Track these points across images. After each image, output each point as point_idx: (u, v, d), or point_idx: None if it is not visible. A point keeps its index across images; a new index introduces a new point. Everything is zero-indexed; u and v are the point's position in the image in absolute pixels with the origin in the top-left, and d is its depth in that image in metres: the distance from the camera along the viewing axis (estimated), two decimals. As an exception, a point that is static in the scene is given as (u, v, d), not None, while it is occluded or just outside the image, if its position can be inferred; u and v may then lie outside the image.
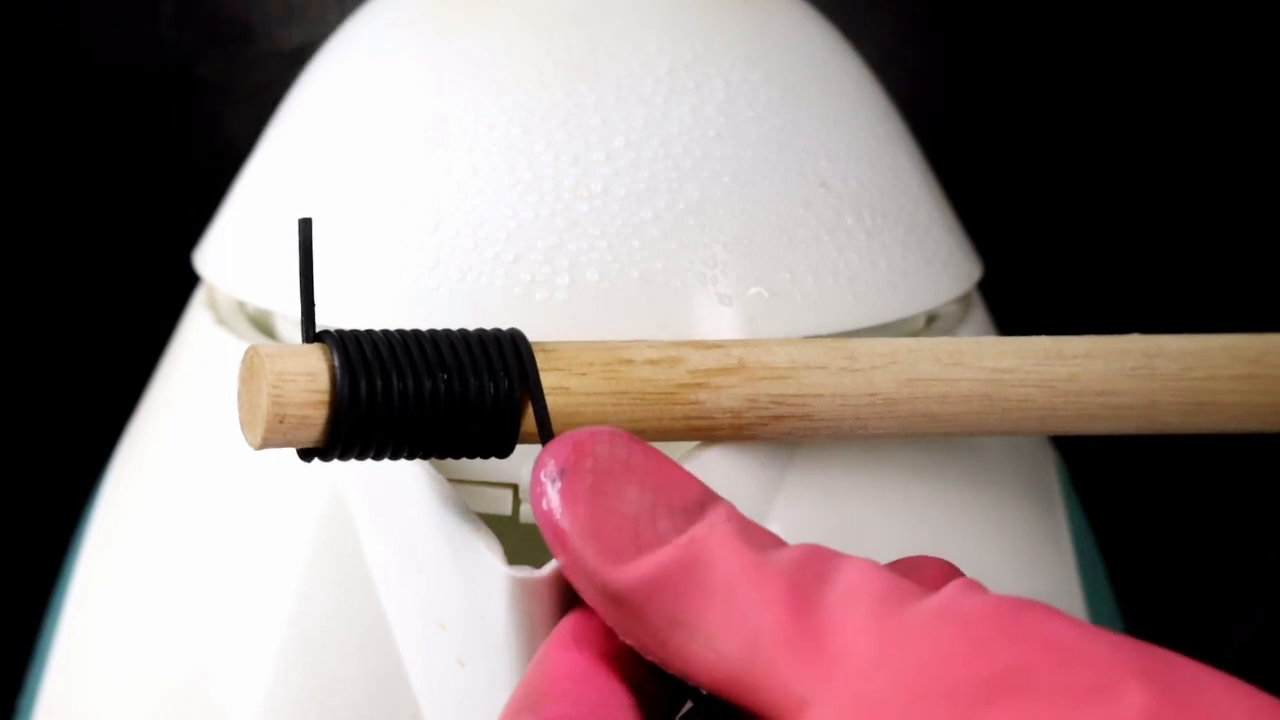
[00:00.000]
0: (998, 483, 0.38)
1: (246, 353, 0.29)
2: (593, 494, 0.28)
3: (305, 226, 0.30)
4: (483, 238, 0.35)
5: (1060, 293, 0.62)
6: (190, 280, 0.42)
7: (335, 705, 0.34)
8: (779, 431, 0.33)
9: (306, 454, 0.30)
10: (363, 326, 0.32)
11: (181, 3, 0.61)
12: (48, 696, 0.40)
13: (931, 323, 0.39)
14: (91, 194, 0.62)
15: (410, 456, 0.30)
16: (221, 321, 0.39)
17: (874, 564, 0.27)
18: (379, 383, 0.29)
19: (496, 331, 0.31)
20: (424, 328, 0.31)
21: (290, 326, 0.38)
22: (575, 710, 0.27)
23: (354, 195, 0.36)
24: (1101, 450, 0.51)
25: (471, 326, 0.31)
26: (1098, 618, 0.40)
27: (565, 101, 0.36)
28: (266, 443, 0.29)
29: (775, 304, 0.35)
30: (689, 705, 0.29)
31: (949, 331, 0.39)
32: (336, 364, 0.29)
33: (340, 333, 0.30)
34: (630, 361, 0.31)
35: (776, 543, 0.27)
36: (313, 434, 0.29)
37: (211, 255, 0.40)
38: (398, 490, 0.33)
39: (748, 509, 0.34)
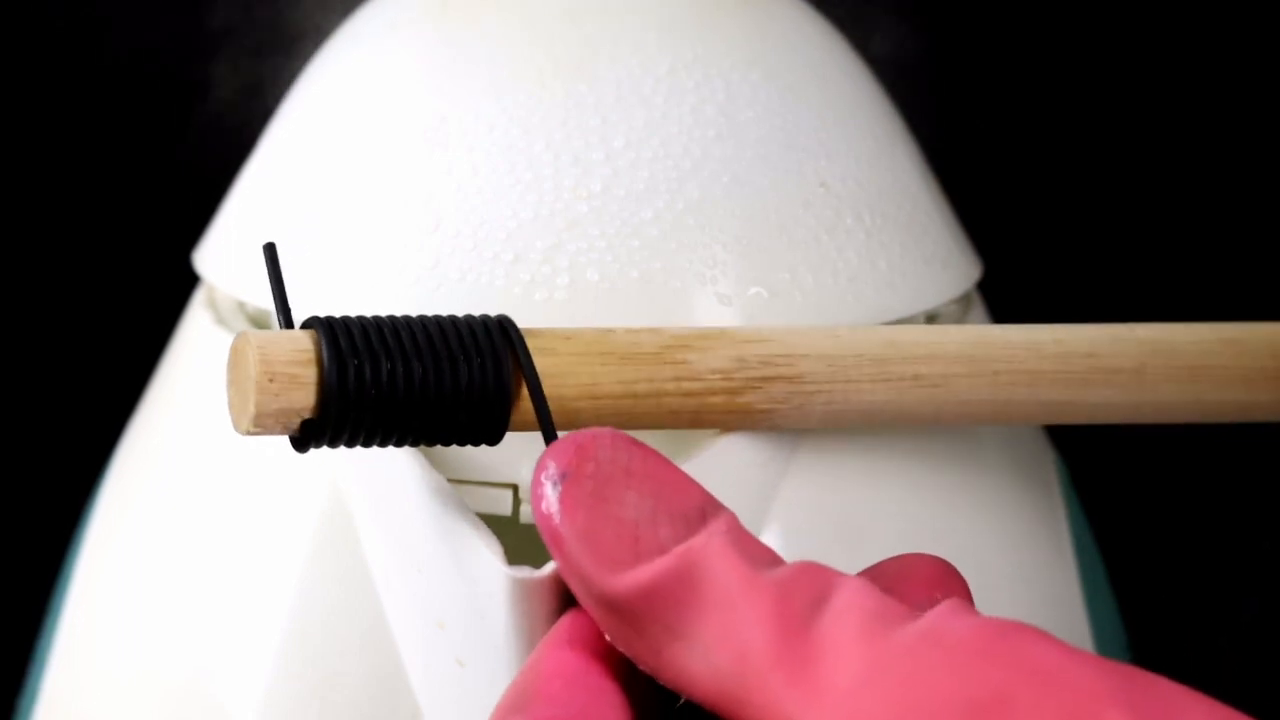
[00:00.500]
0: (998, 482, 0.38)
1: (234, 341, 0.29)
2: (593, 499, 0.27)
3: (270, 251, 0.30)
4: (483, 238, 0.35)
5: (1060, 293, 0.62)
6: (190, 280, 0.42)
7: (335, 704, 0.34)
8: (774, 399, 0.33)
9: (299, 442, 0.30)
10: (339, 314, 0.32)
11: (182, 2, 0.61)
12: (48, 696, 0.40)
13: (931, 323, 0.39)
14: (91, 194, 0.62)
15: (400, 443, 0.30)
16: (221, 321, 0.39)
17: (866, 583, 0.27)
18: (367, 366, 0.29)
19: (484, 317, 0.31)
20: (412, 314, 0.31)
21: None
22: (565, 712, 0.27)
23: (354, 195, 0.36)
24: (1101, 450, 0.51)
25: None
26: (1097, 617, 0.40)
27: (565, 101, 0.36)
28: (255, 428, 0.29)
29: (775, 304, 0.35)
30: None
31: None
32: (324, 348, 0.29)
33: (329, 318, 0.30)
34: (614, 330, 0.32)
35: (772, 558, 0.27)
36: (301, 418, 0.29)
37: (211, 255, 0.40)
38: (397, 489, 0.33)
39: (750, 506, 0.34)
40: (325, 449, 0.30)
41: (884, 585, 0.29)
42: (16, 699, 0.42)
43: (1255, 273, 0.61)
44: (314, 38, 0.43)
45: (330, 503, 0.35)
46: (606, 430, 0.28)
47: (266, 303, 0.37)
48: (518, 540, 0.33)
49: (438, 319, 0.30)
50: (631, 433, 0.33)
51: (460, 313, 0.33)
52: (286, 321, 0.30)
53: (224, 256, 0.39)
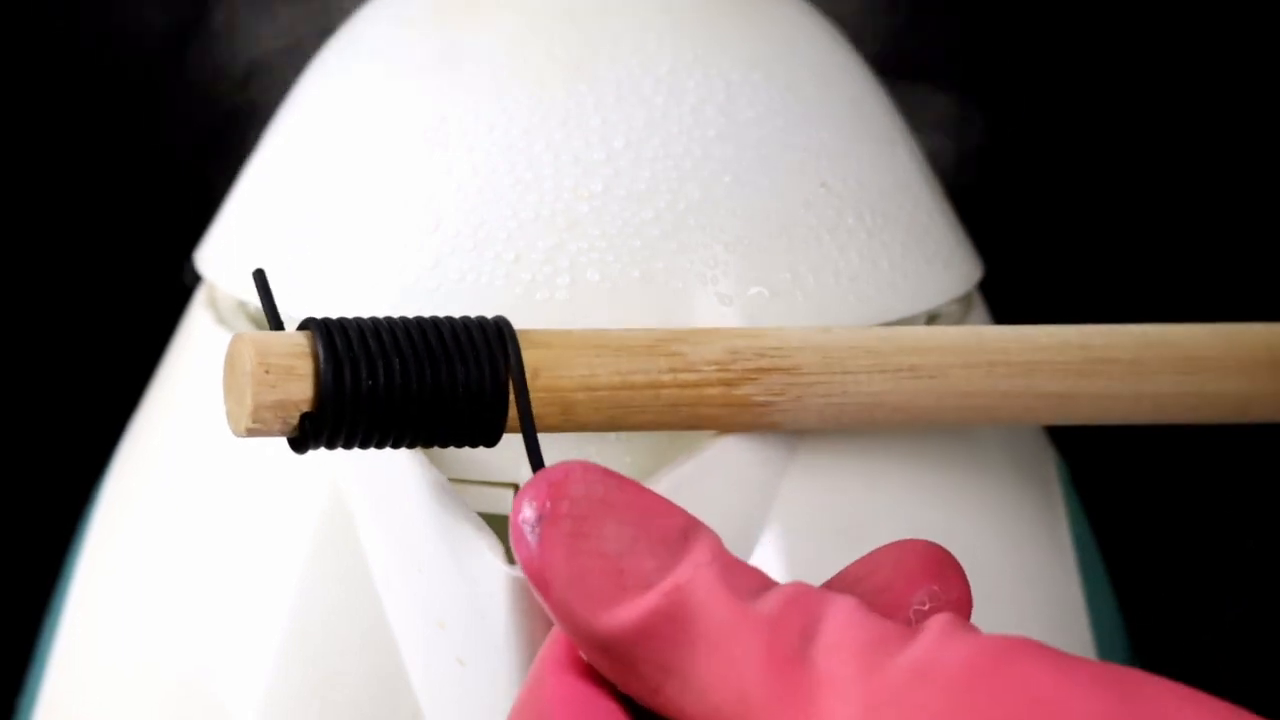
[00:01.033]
0: (998, 482, 0.38)
1: (229, 345, 0.29)
2: (572, 538, 0.27)
3: (260, 277, 0.30)
4: (483, 238, 0.35)
5: (1060, 293, 0.62)
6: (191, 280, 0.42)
7: (335, 703, 0.34)
8: (771, 391, 0.33)
9: (297, 443, 0.30)
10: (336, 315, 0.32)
11: (183, 2, 0.61)
12: (48, 696, 0.40)
13: (932, 323, 0.39)
14: (92, 194, 0.62)
15: (397, 444, 0.30)
16: (222, 321, 0.39)
17: (857, 606, 0.26)
18: (363, 364, 0.29)
19: (481, 319, 0.31)
20: (422, 315, 0.31)
21: (291, 326, 0.38)
22: None
23: (354, 195, 0.36)
24: (1101, 450, 0.51)
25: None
26: (1097, 617, 0.40)
27: (565, 101, 0.36)
28: (253, 424, 0.29)
29: (776, 304, 0.35)
30: None
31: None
32: (320, 346, 0.29)
33: (325, 320, 0.30)
34: (608, 329, 0.32)
35: (760, 583, 0.27)
36: (300, 411, 0.29)
37: (213, 255, 0.40)
38: (398, 489, 0.33)
39: (750, 506, 0.34)
40: (323, 450, 0.30)
41: (880, 580, 0.29)
42: (16, 699, 0.42)
43: (1255, 273, 0.61)
44: (316, 37, 0.43)
45: (330, 502, 0.35)
46: (577, 463, 0.28)
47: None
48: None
49: (434, 319, 0.30)
50: (635, 434, 0.33)
51: (460, 313, 0.33)
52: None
53: (224, 256, 0.39)
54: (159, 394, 0.41)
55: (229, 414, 0.30)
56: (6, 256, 0.61)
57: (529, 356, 0.30)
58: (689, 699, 0.27)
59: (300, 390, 0.29)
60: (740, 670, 0.26)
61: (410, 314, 0.33)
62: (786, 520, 0.34)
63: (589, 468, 0.28)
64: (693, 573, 0.27)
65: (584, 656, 0.28)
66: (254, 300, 0.38)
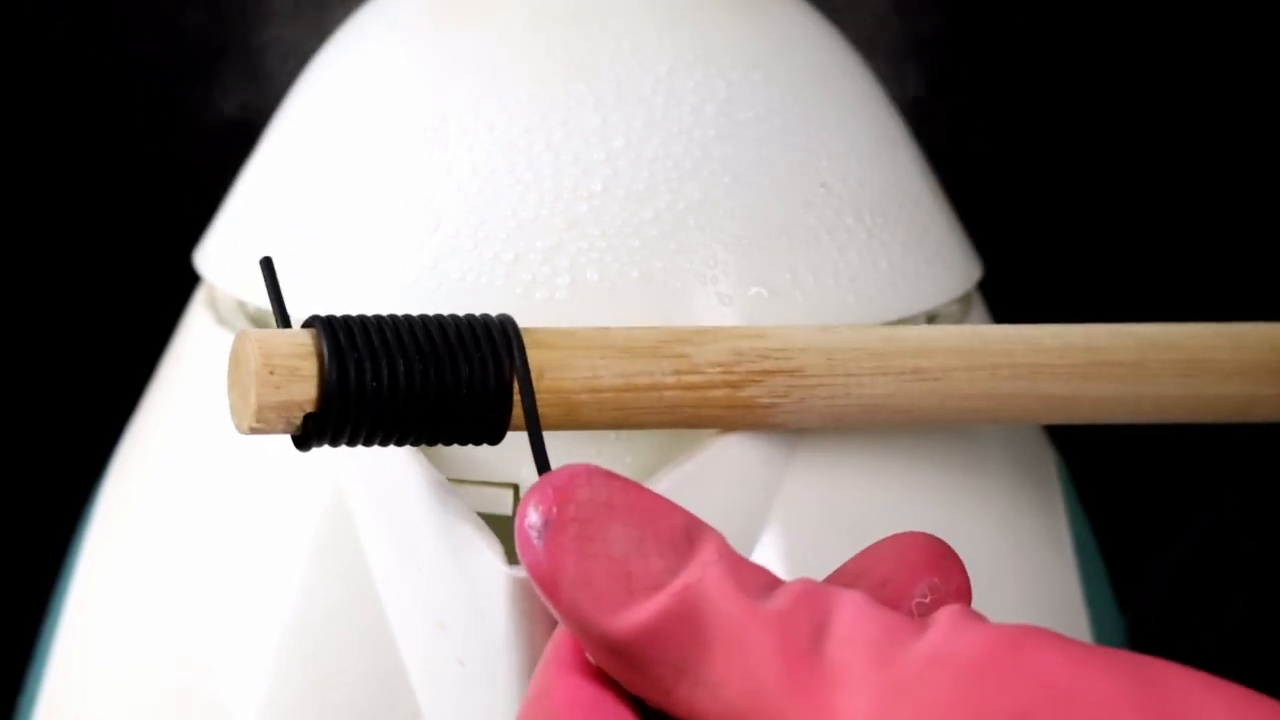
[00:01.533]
0: (998, 481, 0.38)
1: (233, 342, 0.29)
2: (579, 542, 0.27)
3: (267, 264, 0.30)
4: (483, 238, 0.35)
5: (1060, 293, 0.62)
6: (190, 280, 0.42)
7: (335, 703, 0.34)
8: (775, 393, 0.33)
9: (301, 440, 0.30)
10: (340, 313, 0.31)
11: (183, 1, 0.61)
12: (48, 695, 0.40)
13: (931, 323, 0.39)
14: (92, 194, 0.62)
15: (401, 442, 0.30)
16: (222, 321, 0.39)
17: (866, 600, 0.26)
18: (367, 362, 0.29)
19: (486, 317, 0.31)
20: (426, 313, 0.30)
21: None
22: None
23: (354, 195, 0.36)
24: (1101, 450, 0.51)
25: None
26: (1097, 615, 0.40)
27: (565, 101, 0.36)
28: (257, 423, 0.29)
29: (775, 304, 0.35)
30: None
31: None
32: (324, 344, 0.29)
33: (329, 316, 0.30)
34: (612, 329, 0.32)
35: (768, 580, 0.27)
36: (303, 411, 0.29)
37: (212, 255, 0.40)
38: (398, 489, 0.33)
39: (750, 506, 0.34)
40: (327, 448, 0.30)
41: (881, 573, 0.29)
42: (17, 699, 0.42)
43: (1255, 273, 0.61)
44: (316, 37, 0.43)
45: (331, 502, 0.35)
46: (581, 467, 0.28)
47: (267, 303, 0.37)
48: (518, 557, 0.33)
49: (439, 318, 0.30)
50: (636, 433, 0.33)
51: (460, 313, 0.33)
52: (286, 326, 0.30)
53: (224, 256, 0.39)
54: (159, 394, 0.41)
55: (233, 410, 0.30)
56: (6, 257, 0.62)
57: (533, 356, 0.30)
58: (701, 698, 0.27)
59: (304, 390, 0.29)
60: (753, 667, 0.26)
61: (411, 313, 0.33)
62: (787, 519, 0.34)
63: (593, 471, 0.28)
64: (701, 572, 0.27)
65: (592, 659, 0.28)
66: (254, 300, 0.38)
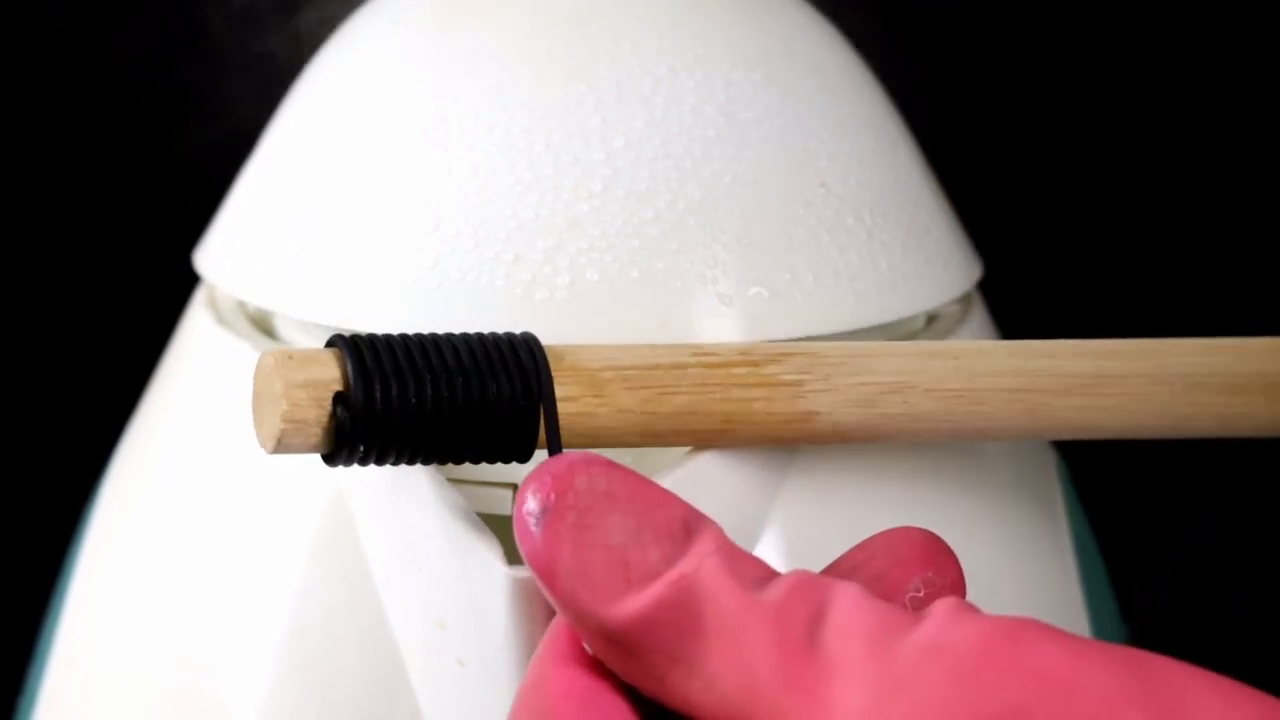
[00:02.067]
0: (998, 481, 0.38)
1: (260, 358, 0.29)
2: (577, 530, 0.27)
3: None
4: (483, 238, 0.35)
5: (1060, 293, 0.62)
6: (190, 280, 0.42)
7: (335, 703, 0.34)
8: (799, 369, 0.33)
9: (329, 458, 0.30)
10: (364, 327, 0.32)
11: (183, 1, 0.61)
12: (48, 695, 0.40)
13: (931, 322, 0.39)
14: (92, 193, 0.62)
15: (428, 461, 0.30)
16: (222, 321, 0.39)
17: (861, 592, 0.26)
18: (394, 388, 0.29)
19: (510, 335, 0.31)
20: (440, 331, 0.31)
21: (290, 326, 0.38)
22: None
23: (354, 195, 0.36)
24: (1101, 450, 0.51)
25: (472, 327, 0.31)
26: (1097, 616, 0.40)
27: (565, 101, 0.36)
28: (280, 449, 0.29)
29: (775, 304, 0.35)
30: None
31: (949, 331, 0.39)
32: (350, 370, 0.29)
33: (355, 338, 0.30)
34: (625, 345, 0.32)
35: (764, 572, 0.27)
36: (326, 441, 0.29)
37: (212, 255, 0.40)
38: (398, 489, 0.33)
39: (746, 514, 0.34)
40: (356, 466, 0.30)
41: (875, 568, 0.29)
42: (17, 699, 0.42)
43: (1255, 273, 0.61)
44: (316, 37, 0.43)
45: (331, 502, 0.35)
46: (580, 454, 0.28)
47: (266, 302, 0.37)
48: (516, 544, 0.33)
49: (465, 337, 0.30)
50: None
51: (460, 313, 0.33)
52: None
53: (224, 256, 0.39)
54: (158, 394, 0.41)
55: (257, 429, 0.30)
56: (6, 257, 0.62)
57: (550, 349, 0.31)
58: (696, 687, 0.27)
59: (325, 443, 0.29)
60: (749, 658, 0.26)
61: (410, 313, 0.33)
62: (786, 520, 0.34)
63: (591, 459, 0.28)
64: (699, 562, 0.27)
65: (588, 647, 0.28)
66: (253, 300, 0.38)
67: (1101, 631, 0.40)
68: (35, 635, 0.42)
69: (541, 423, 0.30)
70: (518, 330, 0.32)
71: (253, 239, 0.38)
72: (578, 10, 0.38)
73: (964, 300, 0.40)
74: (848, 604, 0.26)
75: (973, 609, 0.26)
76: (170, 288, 0.45)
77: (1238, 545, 0.61)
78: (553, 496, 0.27)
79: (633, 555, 0.27)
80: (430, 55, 0.38)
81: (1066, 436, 0.36)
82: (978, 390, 0.34)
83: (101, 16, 0.61)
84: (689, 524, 0.28)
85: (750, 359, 0.33)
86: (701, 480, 0.33)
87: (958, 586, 0.29)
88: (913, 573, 0.29)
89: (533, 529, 0.27)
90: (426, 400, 0.29)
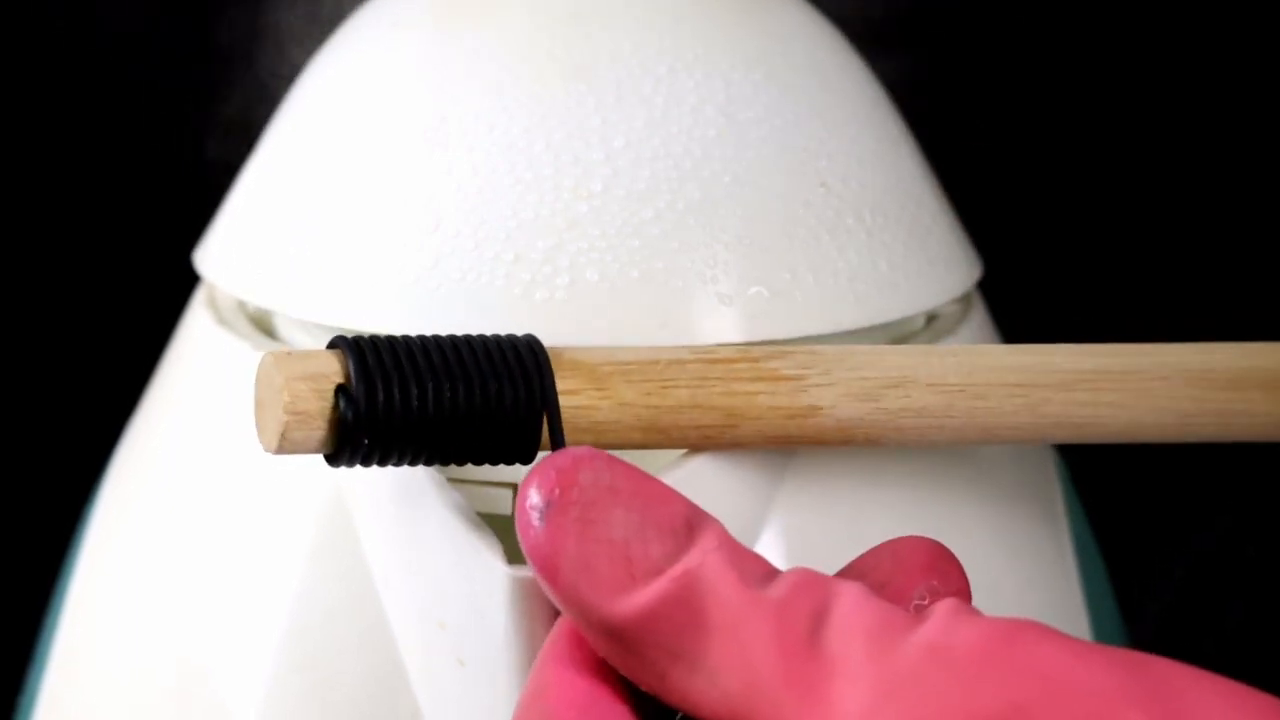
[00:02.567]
0: (998, 481, 0.38)
1: (262, 359, 0.29)
2: (581, 524, 0.27)
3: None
4: (483, 238, 0.35)
5: (1060, 293, 0.62)
6: (190, 280, 0.42)
7: (335, 703, 0.34)
8: (800, 364, 0.33)
9: (331, 459, 0.30)
10: (364, 327, 0.32)
11: (183, 1, 0.61)
12: (48, 695, 0.40)
13: (931, 322, 0.39)
14: (92, 193, 0.62)
15: (430, 462, 0.30)
16: (222, 321, 0.39)
17: (864, 591, 0.27)
18: (396, 389, 0.29)
19: (512, 337, 0.31)
20: (440, 332, 0.31)
21: (291, 326, 0.38)
22: None
23: (354, 195, 0.36)
24: (1101, 450, 0.51)
25: (472, 327, 0.31)
26: (1097, 616, 0.40)
27: (565, 101, 0.36)
28: (281, 449, 0.29)
29: (775, 304, 0.35)
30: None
31: (949, 331, 0.39)
32: (352, 371, 0.29)
33: (357, 339, 0.30)
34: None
35: (767, 570, 0.27)
36: (328, 442, 0.29)
37: (212, 254, 0.40)
38: (398, 489, 0.33)
39: (743, 516, 0.34)
40: (358, 467, 0.30)
41: (880, 576, 0.29)
42: (17, 698, 0.42)
43: (1255, 273, 0.61)
44: (316, 37, 0.43)
45: (331, 502, 0.35)
46: (584, 449, 0.28)
47: (267, 302, 0.37)
48: (518, 540, 0.33)
49: (467, 338, 0.30)
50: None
51: (460, 313, 0.33)
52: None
53: (224, 256, 0.39)
54: (158, 394, 0.41)
55: (259, 430, 0.30)
56: (7, 257, 0.62)
57: (551, 349, 0.31)
58: (697, 684, 0.27)
59: (327, 444, 0.29)
60: (751, 655, 0.26)
61: (409, 313, 0.33)
62: (784, 523, 0.34)
63: (595, 454, 0.28)
64: (702, 558, 0.27)
65: (589, 640, 0.28)
66: (253, 300, 0.38)
67: (1102, 635, 0.40)
68: (35, 635, 0.42)
69: (544, 425, 0.30)
70: (518, 330, 0.32)
71: (253, 239, 0.38)
72: (578, 10, 0.38)
73: (964, 300, 0.40)
74: (850, 603, 0.26)
75: (973, 610, 0.26)
76: (170, 288, 0.45)
77: (1238, 551, 0.61)
78: (557, 491, 0.27)
79: (635, 550, 0.27)
80: (430, 55, 0.38)
81: (1069, 437, 0.35)
82: (978, 385, 0.34)
83: (101, 16, 0.61)
84: (691, 520, 0.28)
85: (750, 355, 0.33)
86: (698, 483, 0.33)
87: (962, 594, 0.29)
88: (917, 580, 0.29)
89: (536, 523, 0.27)
90: (428, 401, 0.29)
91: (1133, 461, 0.59)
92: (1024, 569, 0.38)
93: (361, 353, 0.29)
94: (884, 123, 0.40)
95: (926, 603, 0.29)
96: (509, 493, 0.34)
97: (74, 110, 0.61)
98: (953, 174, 0.44)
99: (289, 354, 0.29)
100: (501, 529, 0.32)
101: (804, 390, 0.33)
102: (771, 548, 0.34)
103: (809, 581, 0.27)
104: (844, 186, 0.37)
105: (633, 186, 0.35)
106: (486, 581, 0.31)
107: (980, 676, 0.25)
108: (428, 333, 0.31)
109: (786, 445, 0.33)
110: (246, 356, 0.37)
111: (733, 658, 0.26)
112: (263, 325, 0.39)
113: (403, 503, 0.33)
